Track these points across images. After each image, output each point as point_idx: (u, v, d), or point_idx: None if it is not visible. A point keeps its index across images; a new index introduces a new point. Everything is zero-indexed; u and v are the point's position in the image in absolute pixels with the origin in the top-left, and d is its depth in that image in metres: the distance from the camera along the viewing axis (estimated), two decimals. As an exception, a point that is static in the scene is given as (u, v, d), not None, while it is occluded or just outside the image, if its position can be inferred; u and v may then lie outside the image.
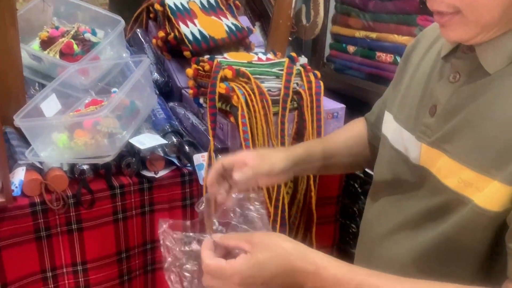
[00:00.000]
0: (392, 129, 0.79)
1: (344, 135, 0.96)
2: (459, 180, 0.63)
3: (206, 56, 1.28)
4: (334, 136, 0.97)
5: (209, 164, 1.16)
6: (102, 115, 1.01)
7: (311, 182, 1.28)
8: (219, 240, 0.65)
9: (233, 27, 1.53)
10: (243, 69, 1.20)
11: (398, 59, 1.40)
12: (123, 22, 1.40)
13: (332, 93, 1.48)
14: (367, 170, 1.56)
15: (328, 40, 1.65)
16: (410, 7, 1.32)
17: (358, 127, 0.96)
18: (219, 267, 0.61)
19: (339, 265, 0.61)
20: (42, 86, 1.31)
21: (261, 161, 0.77)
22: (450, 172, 0.65)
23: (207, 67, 1.23)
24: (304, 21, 1.54)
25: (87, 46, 1.40)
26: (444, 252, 0.66)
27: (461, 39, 0.64)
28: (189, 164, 1.18)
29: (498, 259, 0.62)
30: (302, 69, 1.28)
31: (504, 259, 0.59)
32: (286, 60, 1.29)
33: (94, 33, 1.44)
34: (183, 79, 1.46)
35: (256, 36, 1.79)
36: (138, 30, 1.63)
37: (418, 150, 0.71)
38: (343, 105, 1.35)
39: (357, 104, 1.21)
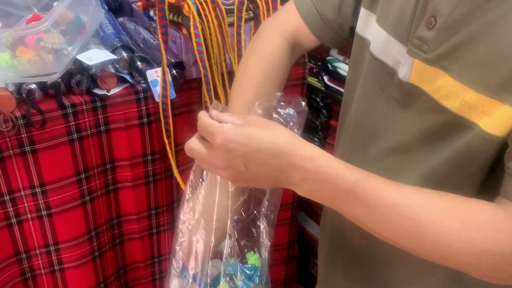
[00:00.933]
0: (375, 34, 0.70)
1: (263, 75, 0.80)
2: (462, 102, 0.58)
3: (154, -36, 1.21)
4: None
5: (164, 80, 1.13)
6: (42, 28, 0.96)
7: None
8: (215, 114, 0.61)
9: None
10: (193, -24, 1.14)
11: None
12: None
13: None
14: (328, 83, 1.56)
15: None
16: None
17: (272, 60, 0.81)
18: (209, 123, 0.59)
19: (338, 160, 0.57)
20: (-21, 4, 1.22)
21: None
22: (450, 93, 0.59)
23: (155, -24, 1.16)
24: None
25: (25, -42, 1.29)
26: (442, 178, 0.62)
27: None
28: (143, 81, 1.15)
29: (494, 180, 0.59)
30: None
31: (499, 179, 0.57)
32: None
33: None
34: (133, -7, 1.39)
35: None
36: None
37: (409, 66, 0.63)
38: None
39: None
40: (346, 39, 0.83)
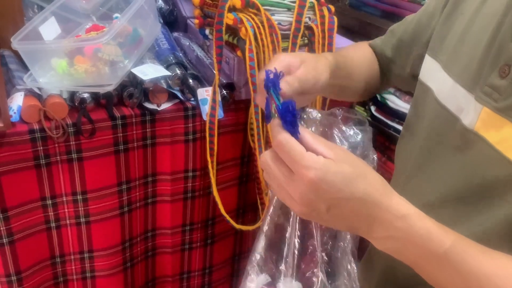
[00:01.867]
0: (440, 80, 0.68)
1: (358, 55, 0.86)
2: None
3: (214, -16, 1.21)
4: (348, 54, 0.84)
5: (213, 100, 1.13)
6: (103, 41, 0.97)
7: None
8: (304, 135, 0.52)
9: (244, -46, 1.44)
10: (253, -1, 1.13)
11: (417, -4, 1.33)
12: None
13: (345, 30, 1.41)
14: (375, 114, 1.53)
15: (345, -27, 1.56)
16: None
17: (367, 52, 0.88)
18: (298, 149, 0.50)
19: (431, 220, 0.51)
20: (41, 8, 1.25)
21: (306, 70, 0.63)
22: None
23: (214, -5, 1.16)
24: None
25: (88, -33, 1.32)
26: (502, 236, 0.56)
27: None
28: (192, 98, 1.15)
29: None
30: (315, 3, 1.21)
31: None
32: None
33: (95, -47, 1.36)
34: (189, 8, 1.40)
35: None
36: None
37: (476, 114, 0.60)
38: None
39: None
40: (407, 83, 0.82)
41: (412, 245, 0.51)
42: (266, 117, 0.57)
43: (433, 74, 0.71)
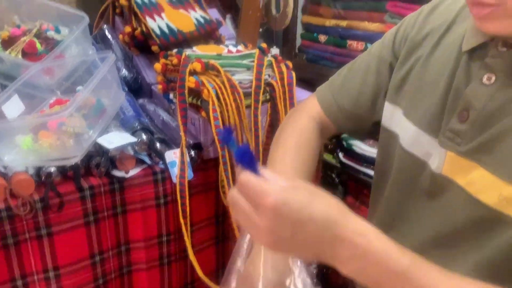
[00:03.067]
0: (402, 127, 0.70)
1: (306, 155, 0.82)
2: (500, 197, 0.56)
3: (175, 50, 1.25)
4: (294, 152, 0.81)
5: (182, 161, 1.14)
6: (66, 114, 0.97)
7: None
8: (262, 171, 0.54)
9: (201, 20, 1.50)
10: (212, 61, 1.17)
11: (369, 46, 1.39)
12: (87, 18, 1.35)
13: (305, 83, 1.46)
14: (343, 160, 1.55)
15: (299, 30, 1.63)
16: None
17: (303, 136, 0.82)
18: (256, 182, 0.51)
19: (390, 240, 0.52)
20: (4, 87, 1.26)
21: None
22: (486, 186, 0.58)
23: (175, 61, 1.20)
24: (274, 11, 1.52)
25: (51, 44, 1.35)
26: (484, 277, 0.56)
27: (503, 33, 0.56)
28: (161, 162, 1.15)
29: None
30: (273, 60, 1.26)
31: None
32: (256, 51, 1.26)
33: (58, 31, 1.39)
34: (152, 74, 1.43)
35: (227, 29, 1.76)
36: (105, 26, 1.58)
37: (442, 158, 0.63)
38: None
39: None
40: (369, 131, 0.83)
41: (372, 263, 0.51)
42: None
43: (395, 120, 0.73)
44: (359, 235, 0.51)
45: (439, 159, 0.63)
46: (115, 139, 1.07)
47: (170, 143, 1.18)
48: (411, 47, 0.72)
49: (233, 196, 0.54)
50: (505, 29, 0.55)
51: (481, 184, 0.58)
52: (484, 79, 0.60)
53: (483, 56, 0.61)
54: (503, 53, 0.58)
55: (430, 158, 0.65)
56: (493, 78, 0.59)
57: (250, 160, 0.53)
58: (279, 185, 0.52)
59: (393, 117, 0.73)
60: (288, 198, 0.51)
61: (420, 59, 0.70)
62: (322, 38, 1.55)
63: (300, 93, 1.34)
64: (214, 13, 1.74)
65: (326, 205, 0.52)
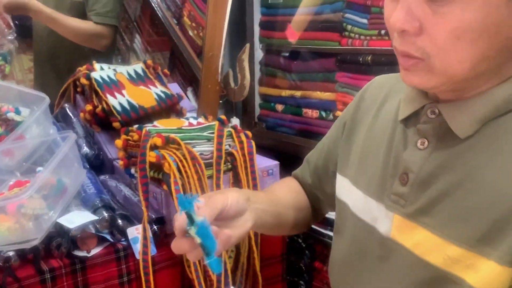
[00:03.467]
0: (353, 196, 0.74)
1: (283, 189, 0.90)
2: (445, 257, 0.58)
3: (135, 126, 1.27)
4: (275, 190, 0.89)
5: (144, 237, 1.13)
6: (25, 196, 0.97)
7: (253, 242, 1.26)
8: None
9: (162, 95, 1.54)
10: (172, 135, 1.20)
11: (323, 114, 1.47)
12: (47, 99, 1.37)
13: (267, 150, 1.50)
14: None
15: (257, 100, 1.70)
16: (329, 65, 1.40)
17: (293, 183, 0.92)
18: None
19: None
20: (-38, 171, 1.24)
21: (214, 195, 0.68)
22: (432, 247, 0.60)
23: (136, 137, 1.22)
24: (232, 84, 1.58)
25: (11, 125, 1.36)
26: None
27: (423, 86, 0.60)
28: (123, 239, 1.14)
29: None
30: (233, 131, 1.29)
31: None
32: (216, 123, 1.30)
33: (18, 112, 1.40)
34: (114, 150, 1.44)
35: (188, 101, 1.81)
36: (66, 104, 1.60)
37: (390, 222, 0.65)
38: (277, 162, 1.37)
39: (291, 159, 1.23)
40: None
41: None
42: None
43: (345, 190, 0.76)
44: None
45: (387, 223, 0.66)
46: (76, 218, 1.06)
47: (132, 218, 1.18)
48: (352, 126, 0.79)
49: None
50: (426, 83, 0.59)
51: (427, 245, 0.60)
52: (418, 144, 0.64)
53: (416, 123, 0.65)
54: (433, 119, 0.62)
55: (378, 223, 0.68)
56: (426, 143, 0.63)
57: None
58: None
59: (343, 187, 0.77)
60: None
61: (362, 134, 0.76)
62: (279, 107, 1.62)
63: (261, 161, 1.38)
64: (175, 87, 1.80)
65: None
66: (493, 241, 0.55)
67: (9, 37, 1.74)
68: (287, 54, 1.56)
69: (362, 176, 0.73)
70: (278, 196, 0.85)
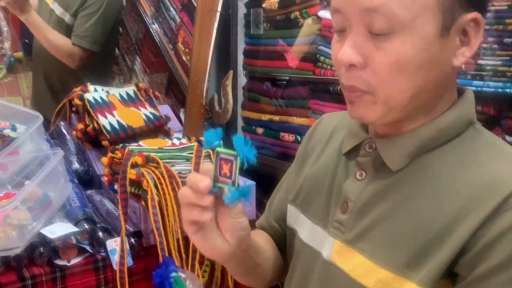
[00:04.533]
0: (301, 223, 0.77)
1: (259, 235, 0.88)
2: (376, 280, 0.62)
3: (120, 145, 1.35)
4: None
5: (122, 249, 1.19)
6: (10, 207, 1.04)
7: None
8: None
9: (151, 116, 1.62)
10: (152, 155, 1.27)
11: (299, 137, 1.54)
12: (41, 117, 1.45)
13: (245, 171, 1.56)
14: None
15: (240, 123, 1.77)
16: (304, 93, 1.48)
17: (264, 233, 0.90)
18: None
19: None
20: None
21: None
22: (366, 271, 0.64)
23: (119, 155, 1.29)
24: (217, 107, 1.66)
25: (7, 141, 1.43)
26: None
27: (367, 118, 0.63)
28: (102, 250, 1.20)
29: None
30: (211, 152, 1.36)
31: None
32: (195, 144, 1.37)
33: (14, 129, 1.48)
34: (102, 167, 1.51)
35: (177, 123, 1.89)
36: (62, 122, 1.68)
37: (331, 247, 0.69)
38: (253, 182, 1.43)
39: (267, 180, 1.28)
40: None
41: None
42: None
43: (295, 218, 0.80)
44: None
45: (329, 248, 0.69)
46: (58, 230, 1.13)
47: (112, 231, 1.24)
48: (303, 160, 0.83)
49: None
50: (370, 114, 0.62)
51: (361, 269, 0.64)
52: (357, 175, 0.68)
53: (356, 156, 0.69)
54: (370, 153, 0.67)
55: (322, 248, 0.72)
56: (364, 174, 0.67)
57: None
58: None
59: (293, 216, 0.80)
60: None
61: (310, 166, 0.80)
62: (259, 130, 1.69)
63: (241, 182, 1.43)
64: (166, 109, 1.88)
65: None
66: (417, 265, 0.59)
67: (6, 44, 1.84)
68: (268, 81, 1.64)
69: (309, 205, 0.76)
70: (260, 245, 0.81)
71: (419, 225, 0.60)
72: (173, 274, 0.59)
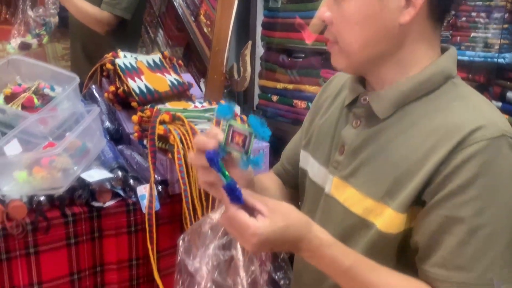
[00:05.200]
0: (310, 164, 0.91)
1: (268, 177, 1.03)
2: (363, 208, 0.75)
3: (149, 105, 1.49)
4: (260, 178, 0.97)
5: (150, 195, 1.34)
6: (56, 152, 1.19)
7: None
8: (246, 196, 0.67)
9: (175, 82, 1.76)
10: (178, 113, 1.41)
11: (310, 104, 1.66)
12: (77, 78, 1.59)
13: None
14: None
15: (257, 91, 1.89)
16: (316, 63, 1.59)
17: (273, 177, 1.05)
18: (244, 222, 0.65)
19: (336, 245, 0.70)
20: (4, 135, 1.46)
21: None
22: (355, 201, 0.77)
23: (148, 113, 1.43)
24: (236, 76, 1.78)
25: (46, 100, 1.57)
26: None
27: (339, 67, 0.78)
28: (133, 196, 1.35)
29: (407, 270, 0.72)
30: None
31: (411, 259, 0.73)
32: (216, 107, 1.51)
33: (52, 89, 1.62)
34: (131, 126, 1.65)
35: (199, 90, 2.02)
36: (93, 86, 1.83)
37: (331, 183, 0.83)
38: (267, 144, 1.57)
39: (280, 144, 1.40)
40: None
41: (324, 263, 0.71)
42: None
43: (306, 161, 0.94)
44: (317, 247, 0.70)
45: (329, 183, 0.84)
46: (96, 175, 1.28)
47: (142, 180, 1.39)
48: (315, 110, 0.96)
49: (224, 225, 0.69)
50: (340, 63, 0.77)
51: (352, 199, 0.78)
52: (353, 123, 0.81)
53: (354, 107, 0.83)
54: (364, 104, 0.80)
55: (325, 184, 0.86)
56: (358, 122, 0.80)
57: (237, 196, 0.65)
58: (260, 222, 0.66)
59: (304, 159, 0.94)
60: (268, 235, 0.66)
61: (320, 117, 0.93)
62: (275, 98, 1.81)
63: (255, 144, 1.57)
64: (187, 77, 2.01)
65: (296, 230, 0.68)
66: (394, 194, 0.72)
67: (52, 11, 1.98)
68: (283, 53, 1.75)
69: (316, 150, 0.90)
70: (265, 184, 0.96)
71: (396, 163, 0.73)
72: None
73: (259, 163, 0.68)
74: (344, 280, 0.72)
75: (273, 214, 0.67)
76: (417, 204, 0.71)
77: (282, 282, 0.89)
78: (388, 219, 0.73)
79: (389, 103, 0.76)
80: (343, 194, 0.80)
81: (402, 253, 0.75)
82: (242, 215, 0.66)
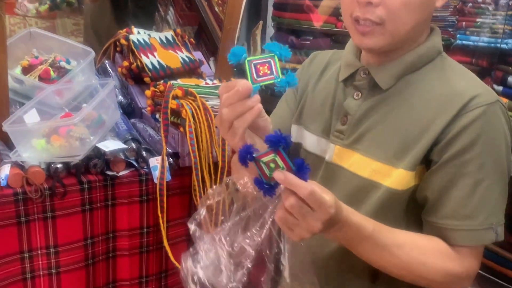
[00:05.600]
0: (305, 138, 0.95)
1: None
2: (370, 170, 0.82)
3: (162, 80, 1.53)
4: None
5: (162, 166, 1.39)
6: (74, 122, 1.24)
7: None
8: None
9: (186, 59, 1.80)
10: (191, 89, 1.45)
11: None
12: (93, 52, 1.64)
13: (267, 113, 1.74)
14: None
15: (266, 70, 1.93)
16: (324, 44, 1.63)
17: None
18: (321, 196, 0.66)
19: (356, 212, 0.75)
20: (22, 105, 1.52)
21: None
22: (362, 165, 0.83)
23: (161, 88, 1.48)
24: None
25: (62, 72, 1.62)
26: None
27: (375, 46, 0.79)
28: (145, 167, 1.41)
29: (413, 224, 0.81)
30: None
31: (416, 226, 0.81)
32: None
33: (68, 62, 1.67)
34: (143, 100, 1.70)
35: (209, 68, 2.06)
36: (106, 61, 1.87)
37: (332, 151, 0.88)
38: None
39: None
40: None
41: (352, 231, 0.75)
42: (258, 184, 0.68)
43: (300, 134, 0.97)
44: (346, 215, 0.72)
45: (330, 152, 0.89)
46: (111, 145, 1.33)
47: (154, 152, 1.44)
48: (303, 87, 0.98)
49: (293, 204, 0.67)
50: (377, 43, 0.79)
51: (358, 164, 0.84)
52: (355, 96, 0.87)
53: (352, 81, 0.88)
54: (364, 77, 0.86)
55: (325, 153, 0.91)
56: (360, 94, 0.86)
57: (306, 172, 0.66)
58: (332, 198, 0.69)
59: (297, 133, 0.97)
60: (338, 208, 0.70)
61: (309, 92, 0.96)
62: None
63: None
64: (198, 55, 2.04)
65: (342, 207, 0.72)
66: (401, 156, 0.80)
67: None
68: (293, 34, 1.79)
69: (312, 122, 0.94)
70: None
71: (402, 127, 0.80)
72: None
73: (294, 78, 0.66)
74: (367, 246, 0.77)
75: (325, 190, 0.69)
76: (424, 163, 0.80)
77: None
78: (397, 178, 0.80)
79: (392, 74, 0.83)
80: (348, 160, 0.86)
81: (411, 211, 0.83)
82: (320, 190, 0.67)
